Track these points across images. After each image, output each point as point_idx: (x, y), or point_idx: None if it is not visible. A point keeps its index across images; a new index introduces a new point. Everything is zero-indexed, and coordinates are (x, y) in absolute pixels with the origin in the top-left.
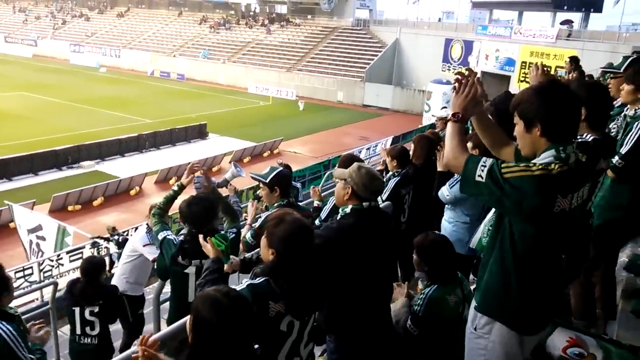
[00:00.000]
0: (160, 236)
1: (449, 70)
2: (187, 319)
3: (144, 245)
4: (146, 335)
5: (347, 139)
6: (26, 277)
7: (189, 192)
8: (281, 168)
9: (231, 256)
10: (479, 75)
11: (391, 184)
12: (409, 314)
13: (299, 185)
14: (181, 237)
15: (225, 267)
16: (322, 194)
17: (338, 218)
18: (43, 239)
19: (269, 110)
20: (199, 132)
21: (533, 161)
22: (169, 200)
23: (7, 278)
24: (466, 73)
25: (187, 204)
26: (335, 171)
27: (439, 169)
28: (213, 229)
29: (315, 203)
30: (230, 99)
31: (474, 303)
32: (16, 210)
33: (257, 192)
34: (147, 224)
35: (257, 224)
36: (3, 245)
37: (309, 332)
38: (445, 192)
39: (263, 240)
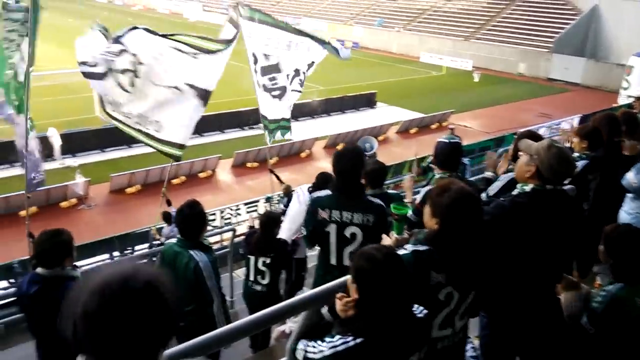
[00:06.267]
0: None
1: None
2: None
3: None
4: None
5: (524, 115)
6: (209, 222)
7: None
8: (447, 140)
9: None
10: None
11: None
12: (582, 309)
13: (466, 160)
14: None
15: (392, 239)
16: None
17: (514, 194)
18: None
19: (441, 81)
20: (367, 101)
21: None
22: None
23: (204, 214)
24: None
25: (336, 156)
26: (522, 142)
27: (626, 152)
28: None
29: (487, 174)
30: (402, 68)
31: None
32: None
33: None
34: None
35: (417, 200)
36: (198, 192)
37: (466, 306)
38: (632, 178)
39: (427, 209)
